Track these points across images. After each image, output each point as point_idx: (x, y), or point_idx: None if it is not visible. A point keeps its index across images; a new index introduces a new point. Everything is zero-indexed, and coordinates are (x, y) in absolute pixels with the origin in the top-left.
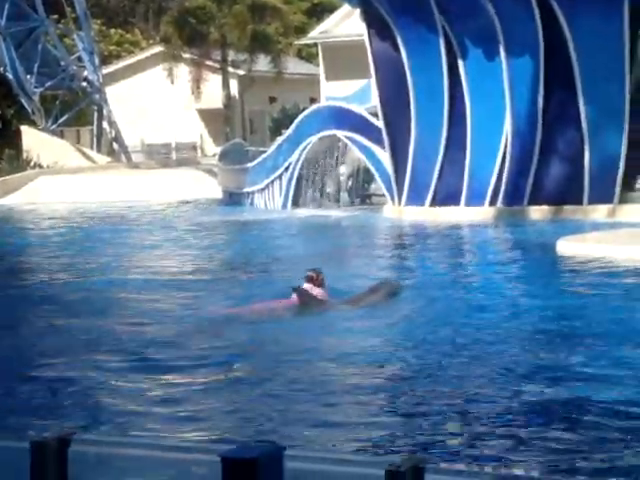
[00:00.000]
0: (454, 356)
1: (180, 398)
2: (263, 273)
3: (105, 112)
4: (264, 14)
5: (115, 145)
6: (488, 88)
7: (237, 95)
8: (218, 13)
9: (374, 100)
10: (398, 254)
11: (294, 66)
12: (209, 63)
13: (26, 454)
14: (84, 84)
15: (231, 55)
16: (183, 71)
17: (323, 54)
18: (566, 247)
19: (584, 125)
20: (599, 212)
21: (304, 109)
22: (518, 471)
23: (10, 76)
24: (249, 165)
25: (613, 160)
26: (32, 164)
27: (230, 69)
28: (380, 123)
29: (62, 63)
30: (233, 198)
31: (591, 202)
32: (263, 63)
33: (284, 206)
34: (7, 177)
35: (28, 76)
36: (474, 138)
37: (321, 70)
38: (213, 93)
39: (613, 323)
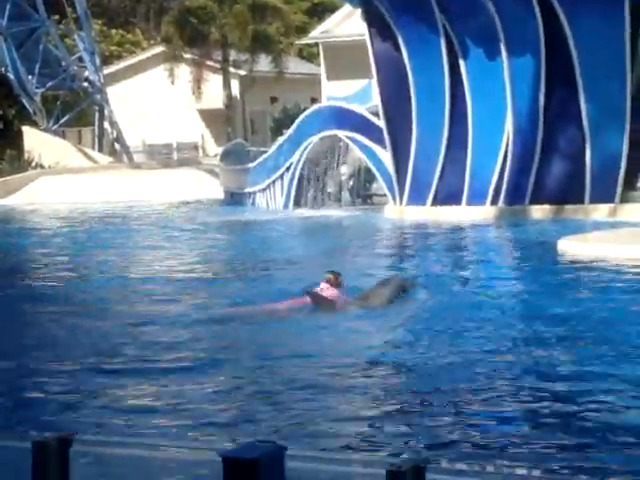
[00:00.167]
0: (455, 356)
1: (182, 398)
2: (264, 273)
3: (106, 112)
4: (265, 14)
5: (116, 145)
6: (489, 87)
7: (238, 95)
8: (219, 13)
9: (375, 100)
10: (399, 254)
11: (295, 66)
12: (210, 63)
13: (28, 454)
14: (85, 84)
15: (232, 55)
16: (184, 71)
17: (324, 54)
18: (567, 246)
19: (585, 124)
20: (600, 211)
21: (305, 109)
22: (520, 470)
23: (11, 76)
24: (250, 165)
25: (614, 159)
26: (33, 164)
27: (231, 69)
28: (381, 123)
29: (63, 63)
30: (234, 198)
31: (592, 201)
32: (264, 63)
33: (285, 206)
34: (8, 177)
35: (29, 76)
36: (475, 137)
37: (322, 70)
38: (214, 93)
39: (613, 323)
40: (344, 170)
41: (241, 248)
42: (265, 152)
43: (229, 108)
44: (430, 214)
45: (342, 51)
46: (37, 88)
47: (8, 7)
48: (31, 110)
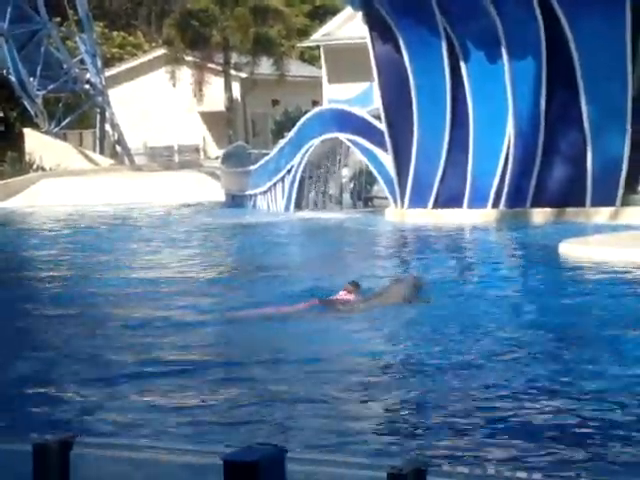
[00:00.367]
0: (457, 358)
1: (182, 400)
2: (265, 276)
3: (108, 115)
4: (266, 17)
5: (118, 148)
6: (490, 90)
7: (239, 98)
8: (220, 16)
9: (376, 103)
10: (400, 256)
11: (296, 69)
12: (211, 66)
13: (28, 457)
14: (87, 87)
15: (233, 58)
16: (185, 74)
17: (325, 57)
18: (568, 250)
19: (586, 126)
20: (602, 214)
21: (306, 112)
22: (520, 474)
23: (13, 79)
24: (252, 168)
25: (616, 162)
26: (35, 167)
27: (232, 72)
28: (382, 125)
29: (65, 66)
30: (236, 200)
31: (594, 204)
32: (265, 66)
33: (287, 208)
34: (10, 180)
35: (31, 79)
36: (476, 140)
37: (323, 73)
38: (215, 96)
39: (614, 326)
40: (345, 173)
41: (241, 251)
42: (266, 155)
43: (230, 111)
44: (431, 217)
45: (343, 54)
46: (38, 90)
47: (10, 9)
48: (32, 112)
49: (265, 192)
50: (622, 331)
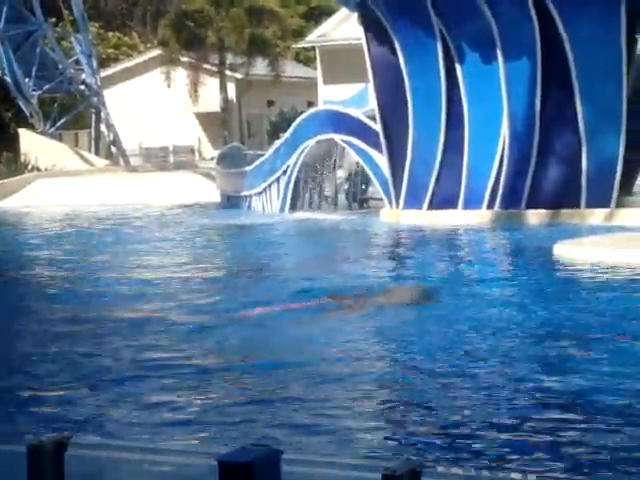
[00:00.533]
0: (453, 360)
1: (177, 401)
2: (261, 276)
3: (103, 115)
4: (262, 18)
5: (113, 148)
6: (485, 91)
7: (235, 98)
8: (216, 16)
9: (372, 104)
10: (394, 257)
11: (292, 69)
12: (207, 66)
13: (23, 458)
14: (82, 87)
15: (229, 58)
16: (181, 74)
17: (321, 57)
18: (563, 251)
19: (581, 128)
20: (597, 216)
21: (302, 113)
22: (515, 475)
23: (8, 79)
24: (247, 169)
25: (610, 163)
26: (30, 167)
27: (228, 72)
28: (377, 127)
29: (60, 66)
30: (231, 201)
31: (589, 206)
32: (261, 66)
33: (282, 209)
34: (5, 180)
35: (26, 79)
36: (471, 141)
37: (319, 74)
38: (211, 96)
39: (609, 327)
40: (340, 174)
41: (236, 251)
42: (262, 155)
43: (226, 111)
44: (426, 218)
45: (339, 55)
46: (34, 91)
47: (5, 10)
48: (28, 113)
49: (260, 193)
50: (616, 332)
